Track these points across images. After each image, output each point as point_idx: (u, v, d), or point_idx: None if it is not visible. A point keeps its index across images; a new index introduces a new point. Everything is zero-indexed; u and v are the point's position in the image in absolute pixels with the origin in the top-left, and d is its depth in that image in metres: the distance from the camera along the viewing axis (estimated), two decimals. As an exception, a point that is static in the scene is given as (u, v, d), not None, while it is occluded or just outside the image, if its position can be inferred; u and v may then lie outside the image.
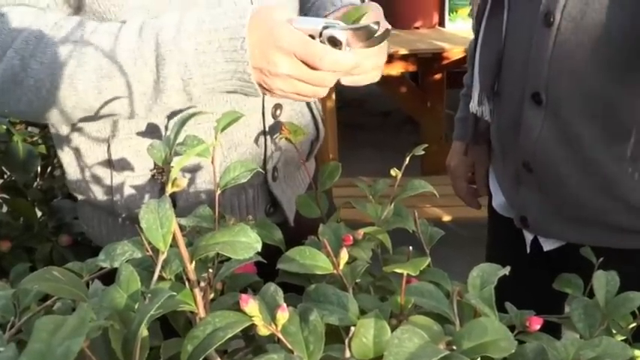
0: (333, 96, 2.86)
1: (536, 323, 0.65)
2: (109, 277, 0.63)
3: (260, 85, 0.85)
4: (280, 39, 0.81)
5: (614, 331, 0.68)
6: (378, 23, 0.83)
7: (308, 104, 1.15)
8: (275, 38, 0.81)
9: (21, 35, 0.84)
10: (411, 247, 0.70)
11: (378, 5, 0.97)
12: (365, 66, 0.88)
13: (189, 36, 0.82)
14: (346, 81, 0.91)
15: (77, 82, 0.83)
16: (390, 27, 0.92)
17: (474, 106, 1.18)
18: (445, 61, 2.80)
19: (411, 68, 2.93)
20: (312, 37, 0.82)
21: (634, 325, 0.69)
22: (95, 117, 0.89)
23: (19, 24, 0.84)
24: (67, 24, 0.85)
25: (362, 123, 4.17)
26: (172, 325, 0.63)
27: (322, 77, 0.84)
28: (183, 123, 0.60)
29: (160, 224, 0.51)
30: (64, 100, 0.85)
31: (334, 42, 0.82)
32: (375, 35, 0.83)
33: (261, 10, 0.84)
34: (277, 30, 0.81)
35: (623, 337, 0.68)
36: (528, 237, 1.20)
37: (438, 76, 3.01)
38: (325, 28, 0.82)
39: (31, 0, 0.87)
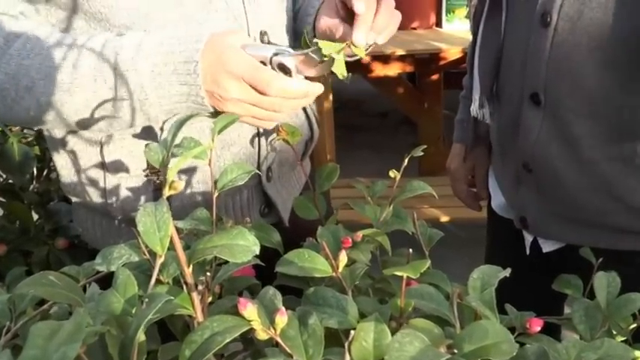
0: (330, 97, 2.85)
1: (536, 325, 0.64)
2: (107, 281, 0.63)
3: (218, 101, 0.85)
4: (229, 63, 0.82)
5: (614, 332, 0.68)
6: (319, 50, 0.83)
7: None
8: (224, 63, 0.82)
9: None
10: (410, 250, 0.69)
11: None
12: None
13: (147, 57, 0.83)
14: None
15: (38, 94, 0.85)
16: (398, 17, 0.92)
17: (474, 109, 1.18)
18: (442, 62, 2.80)
19: (409, 69, 2.92)
20: (264, 63, 0.83)
21: (634, 326, 0.69)
22: (65, 127, 0.90)
23: None
24: (34, 35, 0.86)
25: (359, 124, 4.17)
26: (170, 329, 0.63)
27: (272, 102, 0.84)
28: (180, 125, 0.59)
29: (157, 227, 0.50)
30: (27, 111, 0.86)
31: (284, 69, 0.83)
32: (325, 60, 0.84)
33: (216, 35, 0.84)
34: (227, 55, 0.82)
35: (624, 338, 0.68)
36: (528, 238, 1.19)
37: (435, 77, 3.01)
38: (275, 54, 0.83)
39: (4, 7, 0.88)
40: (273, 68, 0.83)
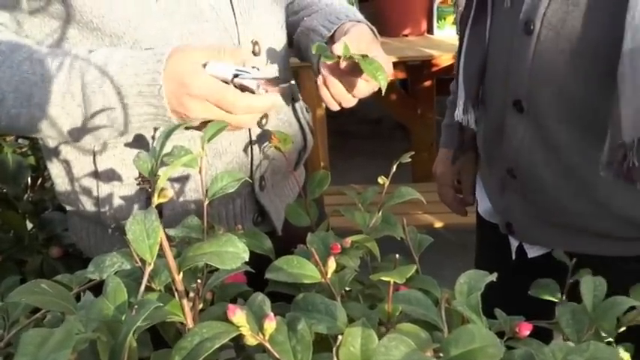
0: (323, 104, 2.86)
1: (525, 329, 0.65)
2: (100, 289, 0.63)
3: (178, 102, 0.86)
4: (192, 86, 0.84)
5: (603, 335, 0.69)
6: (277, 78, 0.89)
7: (295, 113, 1.16)
8: (187, 86, 0.84)
9: None
10: (397, 255, 0.70)
11: (366, 28, 1.01)
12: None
13: (112, 79, 0.85)
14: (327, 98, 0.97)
15: (8, 106, 0.87)
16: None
17: (459, 114, 1.18)
18: (434, 68, 2.81)
19: (401, 75, 2.93)
20: (225, 82, 0.86)
21: (623, 329, 0.69)
22: (38, 136, 0.93)
23: None
24: (7, 48, 0.87)
25: (353, 131, 4.18)
26: (163, 336, 0.63)
27: (238, 119, 0.87)
28: (168, 135, 0.60)
29: (146, 235, 0.51)
30: (0, 120, 0.88)
31: (244, 89, 0.86)
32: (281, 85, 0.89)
33: (177, 52, 0.86)
34: (189, 78, 0.84)
35: (610, 339, 0.69)
36: (514, 243, 1.20)
37: (427, 83, 3.01)
38: (236, 76, 0.86)
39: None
40: (235, 87, 0.86)
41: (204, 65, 0.86)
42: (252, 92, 0.86)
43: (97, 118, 0.87)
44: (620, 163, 0.91)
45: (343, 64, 0.91)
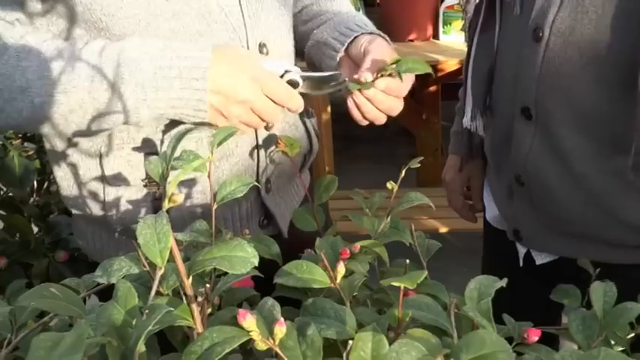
0: (329, 109, 2.86)
1: (534, 335, 0.65)
2: (106, 293, 0.63)
3: (219, 112, 0.90)
4: (255, 70, 0.89)
5: (612, 342, 0.68)
6: (336, 75, 0.97)
7: (301, 117, 1.16)
8: (250, 69, 0.89)
9: None
10: (408, 260, 0.70)
11: (382, 42, 1.03)
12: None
13: (151, 59, 0.86)
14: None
15: (33, 95, 0.85)
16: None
17: (467, 121, 1.18)
18: (440, 74, 2.81)
19: (406, 80, 2.93)
20: None
21: (632, 335, 0.69)
22: (56, 130, 0.91)
23: None
24: (32, 39, 0.87)
25: (358, 135, 4.17)
26: (170, 341, 0.63)
27: (275, 111, 0.92)
28: (179, 138, 0.60)
29: (157, 240, 0.51)
30: (19, 112, 0.87)
31: (292, 85, 0.93)
32: (331, 84, 0.97)
33: (226, 46, 0.91)
34: (252, 62, 0.90)
35: (622, 348, 0.68)
36: (521, 250, 1.20)
37: (433, 89, 3.02)
38: (286, 72, 0.93)
39: (1, 14, 0.88)
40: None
41: None
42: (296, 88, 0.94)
43: (124, 99, 0.86)
44: None
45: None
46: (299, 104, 0.94)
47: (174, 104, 0.87)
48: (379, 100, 0.96)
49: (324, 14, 1.14)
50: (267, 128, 1.05)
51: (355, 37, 1.03)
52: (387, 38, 1.05)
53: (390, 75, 0.93)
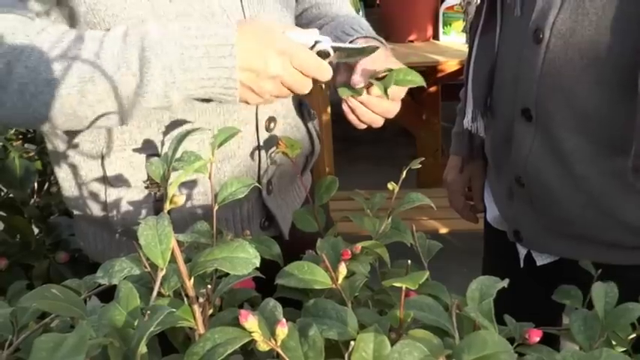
0: (329, 110, 2.86)
1: (535, 335, 0.65)
2: (106, 294, 0.63)
3: (249, 89, 0.88)
4: (282, 42, 0.87)
5: (614, 343, 0.68)
6: (366, 49, 0.93)
7: (303, 118, 1.16)
8: (277, 41, 0.87)
9: (7, 40, 0.84)
10: (409, 261, 0.70)
11: (383, 47, 1.02)
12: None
13: (175, 40, 0.84)
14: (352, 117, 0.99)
15: (60, 86, 0.83)
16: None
17: (467, 122, 1.19)
18: (440, 74, 2.81)
19: (406, 81, 2.93)
20: None
21: (634, 336, 0.69)
22: (81, 124, 0.88)
23: (7, 30, 0.84)
24: (53, 30, 0.86)
25: (358, 136, 4.16)
26: (171, 341, 0.63)
27: (306, 83, 0.91)
28: (180, 140, 0.60)
29: (158, 241, 0.51)
30: (46, 106, 0.84)
31: (323, 55, 0.91)
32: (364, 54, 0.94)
33: (251, 21, 0.90)
34: (278, 35, 0.88)
35: (624, 349, 0.68)
36: (522, 251, 1.20)
37: (433, 89, 3.02)
38: (316, 42, 0.91)
39: (20, 11, 0.88)
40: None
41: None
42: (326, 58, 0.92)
43: (152, 84, 0.84)
44: None
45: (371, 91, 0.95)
46: (328, 74, 0.92)
47: (204, 84, 0.86)
48: (373, 104, 0.96)
49: (322, 18, 1.15)
50: (267, 129, 1.05)
51: (351, 42, 1.03)
52: (383, 41, 1.05)
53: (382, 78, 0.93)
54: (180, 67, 0.84)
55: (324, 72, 0.91)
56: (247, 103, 0.91)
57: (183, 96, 0.86)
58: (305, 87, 0.91)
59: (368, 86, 0.94)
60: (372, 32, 1.08)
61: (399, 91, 0.97)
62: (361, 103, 0.96)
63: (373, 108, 0.97)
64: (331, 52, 0.91)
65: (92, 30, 0.88)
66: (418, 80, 0.92)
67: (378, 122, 1.00)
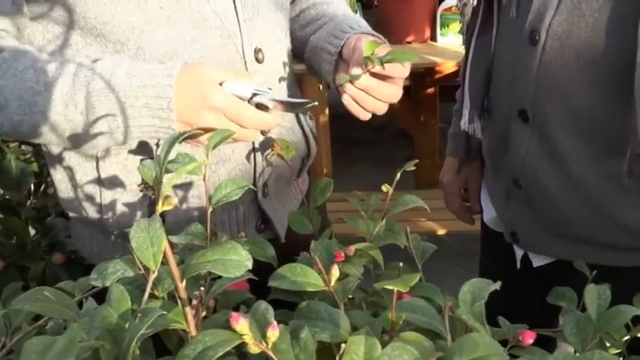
0: (327, 111, 2.86)
1: (529, 337, 0.65)
2: (103, 296, 0.63)
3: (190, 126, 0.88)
4: (212, 99, 0.87)
5: (608, 345, 0.68)
6: (305, 103, 0.93)
7: (299, 121, 1.16)
8: (207, 98, 0.87)
9: None
10: (401, 264, 0.70)
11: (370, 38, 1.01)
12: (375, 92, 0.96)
13: (119, 89, 0.87)
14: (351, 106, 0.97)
15: (11, 113, 0.88)
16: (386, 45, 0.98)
17: (464, 123, 1.19)
18: (438, 75, 2.81)
19: (404, 82, 2.93)
20: (242, 99, 0.89)
21: (628, 337, 0.69)
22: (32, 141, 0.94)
23: None
24: (10, 56, 0.88)
25: (356, 137, 4.18)
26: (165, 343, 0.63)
27: (246, 134, 0.91)
28: (173, 142, 0.60)
29: (150, 243, 0.51)
30: (2, 126, 0.89)
31: (261, 107, 0.90)
32: (304, 107, 0.95)
33: (189, 68, 0.89)
34: (209, 91, 0.87)
35: (618, 351, 0.68)
36: (519, 252, 1.20)
37: (430, 90, 3.02)
38: (254, 95, 0.90)
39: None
40: (250, 104, 0.90)
41: (221, 84, 0.89)
42: (267, 110, 0.90)
43: (98, 126, 0.88)
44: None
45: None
46: (267, 125, 0.93)
47: (147, 130, 0.89)
48: (373, 89, 0.95)
49: (320, 18, 1.14)
50: (263, 133, 1.05)
51: (347, 39, 1.02)
52: (381, 37, 1.05)
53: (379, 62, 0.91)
54: (122, 114, 0.87)
55: (262, 123, 0.91)
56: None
57: (129, 139, 0.90)
58: (247, 136, 0.92)
59: (365, 71, 0.93)
60: (369, 29, 1.07)
61: (398, 70, 0.95)
62: (361, 89, 0.95)
63: (374, 93, 0.95)
64: (269, 104, 0.90)
65: (49, 58, 0.90)
66: (410, 56, 0.92)
67: (381, 109, 0.99)
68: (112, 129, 0.88)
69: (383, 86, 0.95)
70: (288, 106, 0.93)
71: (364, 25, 1.09)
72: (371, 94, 0.95)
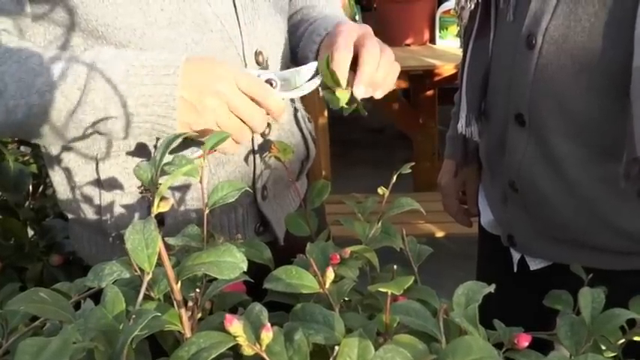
0: (325, 113, 2.86)
1: (524, 340, 0.65)
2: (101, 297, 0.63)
3: (191, 107, 0.86)
4: (228, 67, 0.87)
5: (603, 348, 0.68)
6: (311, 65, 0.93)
7: (298, 123, 1.16)
8: (222, 66, 0.87)
9: None
10: (395, 266, 0.70)
11: (367, 26, 1.00)
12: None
13: (125, 59, 0.85)
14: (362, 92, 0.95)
15: (8, 97, 0.84)
16: (380, 46, 0.96)
17: (461, 126, 1.19)
18: (436, 78, 2.81)
19: (403, 85, 2.94)
20: None
21: (623, 340, 0.69)
22: (25, 137, 0.91)
23: None
24: (14, 46, 0.87)
25: (355, 140, 4.18)
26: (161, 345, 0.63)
27: (255, 111, 0.88)
28: (169, 144, 0.60)
29: (145, 245, 0.51)
30: None
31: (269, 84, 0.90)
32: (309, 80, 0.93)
33: (204, 57, 0.90)
34: (222, 65, 0.87)
35: (614, 354, 0.69)
36: (515, 255, 1.20)
37: (429, 93, 3.02)
38: (261, 75, 0.91)
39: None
40: None
41: None
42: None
43: (90, 96, 0.85)
44: (636, 177, 0.92)
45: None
46: (278, 103, 0.90)
47: (144, 101, 0.85)
48: (367, 74, 0.93)
49: (306, 21, 1.13)
50: (262, 135, 1.05)
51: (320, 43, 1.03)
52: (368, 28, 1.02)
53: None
54: (123, 82, 0.84)
55: (272, 99, 0.89)
56: (190, 130, 0.88)
57: (121, 112, 0.86)
58: (255, 114, 0.88)
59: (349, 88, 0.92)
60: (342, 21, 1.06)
61: (371, 65, 0.93)
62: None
63: (379, 76, 0.94)
64: (277, 79, 0.90)
65: (53, 49, 0.90)
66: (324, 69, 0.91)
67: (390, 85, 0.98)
68: (107, 98, 0.84)
69: (382, 68, 0.94)
70: (293, 79, 0.92)
71: (345, 20, 1.08)
72: (377, 80, 0.95)
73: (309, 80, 0.93)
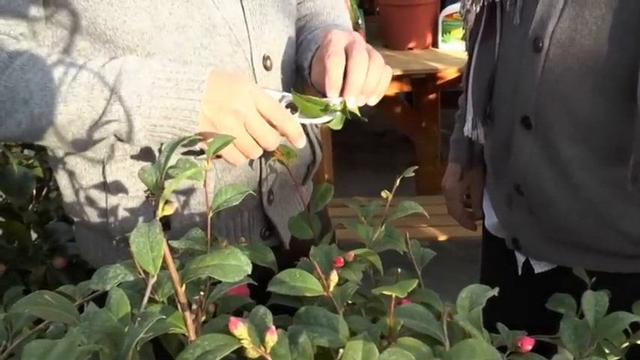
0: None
1: (527, 344, 0.65)
2: (104, 300, 0.63)
3: (210, 123, 0.87)
4: (251, 87, 0.88)
5: (607, 351, 0.68)
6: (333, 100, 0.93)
7: (304, 128, 1.16)
8: (247, 84, 0.88)
9: None
10: (399, 269, 0.70)
11: (356, 33, 1.01)
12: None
13: (151, 71, 0.86)
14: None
15: (34, 105, 0.86)
16: (369, 52, 0.96)
17: (467, 130, 1.19)
18: (439, 82, 2.81)
19: (406, 88, 2.94)
20: None
21: (627, 344, 0.69)
22: (50, 144, 0.92)
23: None
24: (37, 53, 0.88)
25: (357, 143, 4.18)
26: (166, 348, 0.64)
27: (270, 133, 0.89)
28: (173, 148, 0.60)
29: (150, 248, 0.51)
30: (18, 124, 0.87)
31: (290, 109, 0.92)
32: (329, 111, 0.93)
33: (219, 70, 0.90)
34: (249, 82, 0.89)
35: (617, 357, 0.68)
36: (520, 259, 1.20)
37: (432, 97, 3.02)
38: (283, 97, 0.93)
39: (6, 29, 0.89)
40: None
41: None
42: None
43: (116, 107, 0.86)
44: None
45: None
46: (296, 129, 0.91)
47: (167, 114, 0.86)
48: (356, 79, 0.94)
49: (306, 30, 1.14)
50: (265, 156, 1.05)
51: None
52: (357, 35, 1.02)
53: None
54: (148, 94, 0.85)
55: (290, 123, 0.90)
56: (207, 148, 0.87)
57: (144, 123, 0.87)
58: (269, 136, 0.89)
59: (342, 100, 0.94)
60: (340, 28, 1.07)
61: (359, 74, 0.94)
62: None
63: (370, 83, 0.94)
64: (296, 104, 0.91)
65: (75, 57, 0.90)
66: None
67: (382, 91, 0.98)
68: (132, 108, 0.85)
69: (372, 74, 0.94)
70: (314, 107, 0.93)
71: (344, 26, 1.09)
72: (369, 87, 0.95)
73: (328, 111, 0.94)
